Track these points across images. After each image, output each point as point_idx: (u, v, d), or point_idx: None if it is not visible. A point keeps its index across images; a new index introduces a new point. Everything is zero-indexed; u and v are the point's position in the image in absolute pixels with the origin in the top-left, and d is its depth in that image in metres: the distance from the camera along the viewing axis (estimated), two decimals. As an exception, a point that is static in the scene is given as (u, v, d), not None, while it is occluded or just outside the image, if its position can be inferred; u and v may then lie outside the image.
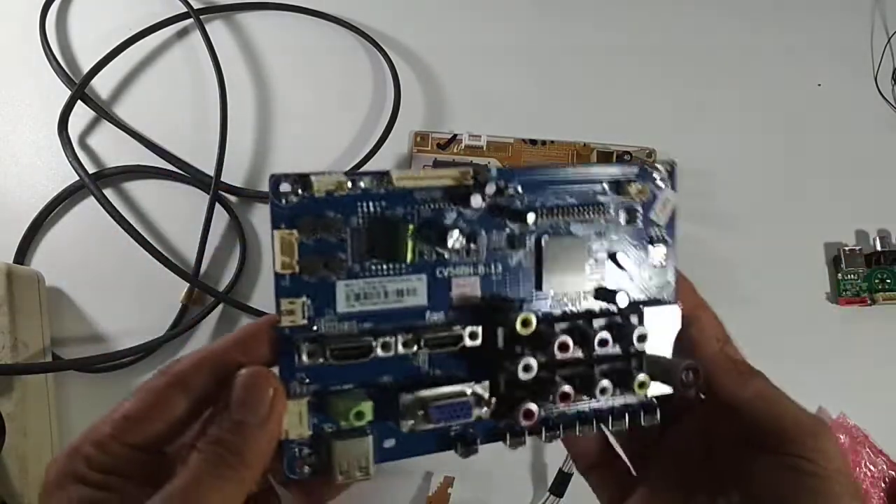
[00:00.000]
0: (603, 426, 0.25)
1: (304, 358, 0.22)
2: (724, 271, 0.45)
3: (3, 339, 0.36)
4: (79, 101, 0.44)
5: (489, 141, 0.45)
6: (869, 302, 0.44)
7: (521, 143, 0.46)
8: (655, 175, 0.26)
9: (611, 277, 0.25)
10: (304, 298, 0.22)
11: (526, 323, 0.23)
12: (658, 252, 0.26)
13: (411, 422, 0.23)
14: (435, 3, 0.50)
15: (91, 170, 0.44)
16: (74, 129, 0.45)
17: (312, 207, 0.22)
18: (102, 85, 0.47)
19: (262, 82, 0.47)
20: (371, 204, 0.23)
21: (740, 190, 0.46)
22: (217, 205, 0.44)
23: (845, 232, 0.46)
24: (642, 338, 0.24)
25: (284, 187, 0.22)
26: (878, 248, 0.45)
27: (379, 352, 0.22)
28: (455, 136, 0.46)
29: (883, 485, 0.41)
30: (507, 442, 0.24)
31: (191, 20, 0.48)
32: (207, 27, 0.47)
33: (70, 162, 0.40)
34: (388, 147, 0.45)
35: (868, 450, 0.41)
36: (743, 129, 0.48)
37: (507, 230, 0.25)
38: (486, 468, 0.40)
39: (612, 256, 0.26)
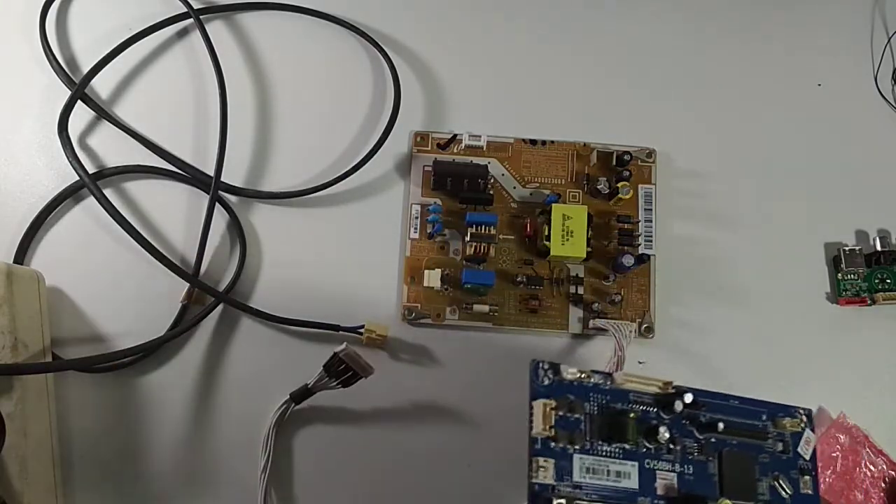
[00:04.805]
0: None
1: None
2: (724, 271, 0.45)
3: (3, 339, 0.36)
4: (79, 101, 0.44)
5: (489, 141, 0.45)
6: (869, 302, 0.44)
7: (521, 143, 0.46)
8: (800, 417, 0.35)
9: (773, 495, 0.33)
10: (554, 461, 0.29)
11: None
12: (806, 481, 0.34)
13: None
14: (435, 4, 0.50)
15: (91, 170, 0.44)
16: (74, 129, 0.45)
17: (559, 389, 0.31)
18: (102, 85, 0.47)
19: (262, 82, 0.47)
20: (599, 396, 0.31)
21: (740, 190, 0.46)
22: (217, 205, 0.44)
23: (845, 232, 0.46)
24: None
25: (541, 371, 0.30)
26: (878, 248, 0.45)
27: None
28: (455, 136, 0.46)
29: (883, 485, 0.41)
30: None
31: (191, 20, 0.48)
32: (207, 27, 0.47)
33: (70, 162, 0.40)
34: (388, 147, 0.45)
35: (868, 450, 0.41)
36: (743, 129, 0.48)
37: (695, 439, 0.32)
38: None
39: (777, 479, 0.33)
